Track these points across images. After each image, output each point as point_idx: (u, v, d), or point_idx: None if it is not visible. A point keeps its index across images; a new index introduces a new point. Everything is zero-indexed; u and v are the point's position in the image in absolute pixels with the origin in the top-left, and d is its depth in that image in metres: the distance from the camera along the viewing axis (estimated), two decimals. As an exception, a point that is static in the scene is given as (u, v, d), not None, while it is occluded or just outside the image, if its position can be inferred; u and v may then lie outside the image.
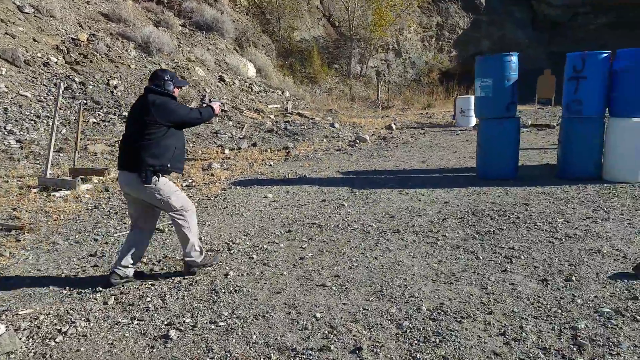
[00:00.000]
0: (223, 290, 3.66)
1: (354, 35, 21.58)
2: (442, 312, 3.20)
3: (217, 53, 16.77)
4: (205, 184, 7.36)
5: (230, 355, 2.81)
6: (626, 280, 3.58)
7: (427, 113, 17.82)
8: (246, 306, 3.40)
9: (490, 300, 3.35)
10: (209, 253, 4.34)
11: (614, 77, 6.65)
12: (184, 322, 3.20)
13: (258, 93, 15.98)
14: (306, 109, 16.22)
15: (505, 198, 6.10)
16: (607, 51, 6.79)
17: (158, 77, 3.75)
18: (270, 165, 8.91)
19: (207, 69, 15.30)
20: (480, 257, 4.16)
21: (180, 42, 15.84)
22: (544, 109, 15.76)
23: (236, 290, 3.65)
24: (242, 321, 3.18)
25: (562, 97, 7.23)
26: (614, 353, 2.65)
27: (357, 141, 11.48)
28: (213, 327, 3.13)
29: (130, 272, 3.80)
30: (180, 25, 16.76)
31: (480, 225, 5.03)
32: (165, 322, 3.21)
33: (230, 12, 19.16)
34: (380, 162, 9.12)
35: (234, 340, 2.97)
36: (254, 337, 2.99)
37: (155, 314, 3.32)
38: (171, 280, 3.88)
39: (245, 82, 16.26)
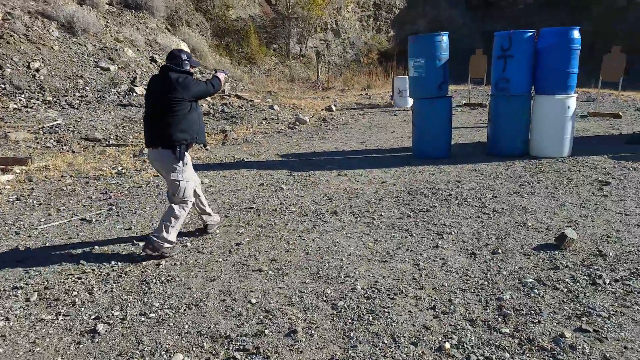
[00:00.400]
0: (154, 281, 3.56)
1: (292, 14, 21.35)
2: (376, 290, 3.27)
3: (147, 33, 16.09)
4: (136, 170, 7.10)
5: (161, 346, 2.75)
6: (549, 251, 3.79)
7: (366, 94, 18.00)
8: (179, 296, 3.33)
9: (421, 276, 3.46)
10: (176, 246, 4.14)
11: (538, 55, 6.93)
12: (113, 315, 3.10)
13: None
14: (245, 91, 15.95)
15: (438, 176, 6.29)
16: (532, 30, 7.05)
17: (176, 57, 3.97)
18: (207, 149, 8.71)
19: (138, 50, 14.67)
20: (414, 235, 4.28)
21: (107, 22, 15.06)
22: (477, 88, 16.29)
23: (168, 280, 3.57)
24: (174, 311, 3.12)
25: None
26: (536, 321, 2.81)
27: (297, 123, 11.44)
28: (143, 318, 3.05)
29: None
30: (106, 3, 15.91)
31: (414, 204, 5.16)
32: (93, 317, 3.09)
33: (161, -11, 18.37)
34: (320, 143, 9.14)
35: (165, 331, 2.90)
36: (187, 326, 2.94)
37: (82, 309, 3.19)
38: (99, 273, 3.74)
39: (181, 63, 15.72)
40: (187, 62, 3.98)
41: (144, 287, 3.49)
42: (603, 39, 19.03)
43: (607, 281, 3.22)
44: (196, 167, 7.21)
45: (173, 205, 4.01)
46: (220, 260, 3.91)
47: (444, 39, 7.20)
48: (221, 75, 4.34)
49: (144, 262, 3.91)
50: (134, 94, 11.93)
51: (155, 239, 3.92)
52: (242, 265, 3.79)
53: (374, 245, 4.07)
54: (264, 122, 11.48)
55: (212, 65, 17.07)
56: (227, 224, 4.79)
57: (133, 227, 4.77)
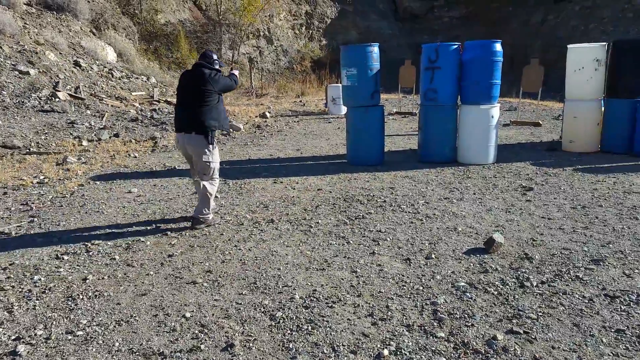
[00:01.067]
0: (81, 297, 3.34)
1: (223, 20, 21.05)
2: (315, 299, 3.24)
3: (70, 36, 15.26)
4: (59, 179, 6.67)
5: (89, 368, 2.57)
6: (478, 255, 3.93)
7: (301, 101, 18.05)
8: (108, 312, 3.13)
9: (359, 283, 3.48)
10: (216, 214, 5.06)
11: (463, 67, 7.25)
12: (36, 334, 2.86)
13: (120, 79, 14.88)
14: (174, 97, 15.49)
15: (373, 183, 6.39)
16: (457, 43, 7.37)
17: (208, 57, 4.73)
18: (135, 157, 8.36)
19: (60, 53, 13.86)
20: (351, 242, 4.30)
21: (25, 23, 14.13)
22: (407, 97, 16.80)
23: (96, 296, 3.36)
24: (103, 328, 2.93)
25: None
26: (469, 324, 2.89)
27: (231, 130, 11.25)
28: (70, 337, 2.85)
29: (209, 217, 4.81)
30: (24, 3, 14.93)
31: (350, 211, 5.21)
32: (13, 337, 2.84)
33: (84, -10, 17.49)
34: (254, 151, 9.03)
35: (94, 349, 2.72)
36: (117, 344, 2.77)
37: (1, 329, 2.92)
38: (20, 290, 3.45)
39: (105, 67, 15.03)
40: (217, 61, 4.73)
41: (69, 303, 3.26)
42: (522, 52, 20.30)
43: (534, 283, 3.38)
44: (123, 176, 6.92)
45: (204, 183, 4.65)
46: (152, 273, 3.73)
47: (375, 49, 7.36)
48: (236, 72, 5.12)
49: (70, 277, 3.66)
50: (57, 100, 11.23)
51: (200, 216, 4.70)
52: (175, 278, 3.63)
53: (311, 254, 4.05)
54: (196, 129, 11.18)
55: (140, 70, 16.46)
56: (159, 234, 4.59)
57: (56, 240, 4.46)
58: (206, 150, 4.58)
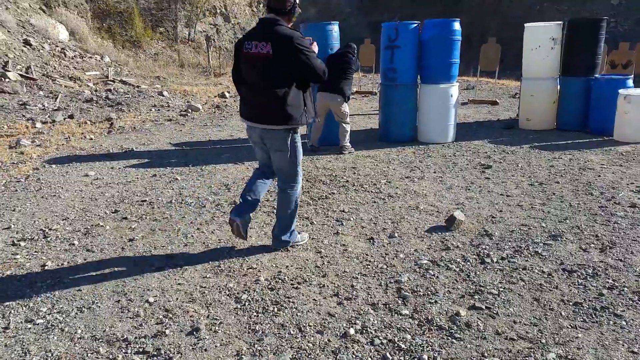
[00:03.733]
0: (40, 284, 3.21)
1: (179, -4, 20.37)
2: (280, 281, 3.22)
3: (19, 13, 14.42)
4: (13, 163, 6.35)
5: (52, 355, 2.49)
6: (440, 233, 4.00)
7: (260, 80, 17.76)
8: (68, 299, 3.03)
9: (324, 263, 3.48)
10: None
11: (422, 46, 7.27)
12: (-11, 327, 2.74)
13: (73, 59, 14.22)
14: (130, 76, 14.96)
15: (335, 163, 6.38)
16: (416, 22, 7.37)
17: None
18: (91, 139, 8.05)
19: (9, 32, 13.09)
20: (315, 222, 4.29)
21: (-34, -3, 13.25)
22: (367, 77, 16.79)
23: (56, 283, 3.23)
24: (64, 316, 2.84)
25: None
26: (432, 301, 2.95)
27: (190, 110, 10.97)
28: (30, 326, 2.75)
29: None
30: (-37, -25, 13.97)
31: (314, 191, 5.19)
32: (-37, 332, 2.71)
33: (30, -36, 16.51)
34: (215, 131, 8.85)
35: (55, 338, 2.63)
36: (79, 331, 2.68)
37: (-53, 325, 2.78)
38: (-32, 282, 3.28)
39: (57, 46, 14.31)
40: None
41: (28, 291, 3.13)
42: (479, 31, 20.59)
43: (495, 259, 3.47)
44: (80, 159, 6.66)
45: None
46: (113, 258, 3.62)
47: (335, 28, 7.28)
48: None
49: (27, 264, 3.50)
50: (7, 80, 10.63)
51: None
52: (136, 262, 3.53)
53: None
54: (153, 110, 10.85)
55: (94, 49, 15.77)
56: (118, 218, 4.45)
57: (12, 226, 4.26)
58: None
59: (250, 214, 3.68)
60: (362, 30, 22.48)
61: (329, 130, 7.21)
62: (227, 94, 13.56)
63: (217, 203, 4.84)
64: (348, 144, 6.97)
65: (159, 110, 10.90)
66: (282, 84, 3.30)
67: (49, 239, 4.01)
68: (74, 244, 3.89)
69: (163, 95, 12.44)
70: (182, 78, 16.72)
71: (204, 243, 3.87)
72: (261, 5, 23.99)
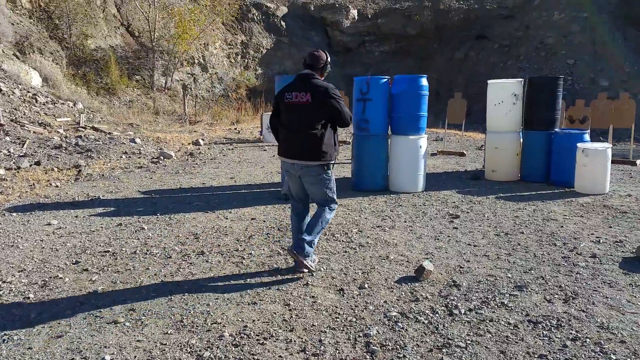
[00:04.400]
0: (-15, 343, 3.04)
1: (157, 46, 20.65)
2: (245, 336, 3.13)
3: (-10, 58, 14.36)
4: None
5: None
6: (409, 283, 3.98)
7: (235, 128, 17.91)
8: (17, 357, 2.86)
9: (292, 317, 3.40)
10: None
11: (392, 99, 7.51)
12: None
13: (44, 105, 14.11)
14: (103, 123, 14.88)
15: (307, 212, 6.37)
16: (386, 77, 7.64)
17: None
18: (57, 186, 7.88)
19: (-23, 76, 12.99)
20: (284, 273, 4.23)
21: (-63, 42, 13.15)
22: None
23: (4, 340, 3.06)
24: (10, 379, 2.67)
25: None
26: (401, 355, 2.90)
27: (162, 157, 10.92)
28: (-30, 391, 2.57)
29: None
30: (-64, 21, 13.93)
31: (284, 241, 5.14)
32: None
33: (8, 13, 16.60)
34: (186, 179, 8.79)
35: (-3, 404, 2.46)
36: (26, 396, 2.53)
37: None
38: None
39: (28, 92, 14.21)
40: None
41: (-31, 352, 2.95)
42: (447, 85, 21.39)
43: (462, 311, 3.46)
44: (43, 207, 6.49)
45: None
46: (69, 312, 3.47)
47: (309, 79, 7.45)
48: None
49: (-29, 322, 3.32)
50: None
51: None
52: (95, 318, 3.39)
53: (243, 287, 3.93)
54: (124, 157, 10.76)
55: (67, 96, 15.72)
56: (79, 270, 4.31)
57: (-42, 280, 4.07)
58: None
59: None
60: (337, 83, 23.06)
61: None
62: (201, 142, 13.59)
63: (184, 254, 4.75)
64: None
65: (129, 157, 10.81)
66: (319, 126, 3.99)
67: (1, 292, 3.84)
68: (29, 298, 3.73)
69: (135, 142, 12.37)
70: (156, 125, 16.72)
71: (167, 296, 3.76)
72: (239, 57, 24.48)
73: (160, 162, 10.56)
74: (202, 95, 22.44)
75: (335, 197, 4.27)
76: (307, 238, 4.07)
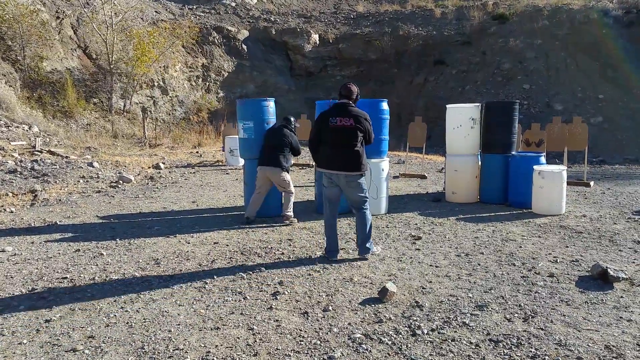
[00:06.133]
0: None
1: (115, 69, 20.35)
2: (209, 362, 3.08)
3: (-63, 79, 13.82)
4: None
5: None
6: (373, 305, 4.02)
7: (197, 152, 17.73)
8: (-35, 394, 2.72)
9: (256, 341, 3.37)
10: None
11: (356, 123, 7.61)
12: None
13: (-3, 127, 13.64)
14: (60, 146, 14.48)
15: (271, 235, 6.35)
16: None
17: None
18: (12, 212, 7.58)
19: None
20: (248, 297, 4.19)
21: None
22: (305, 150, 17.22)
23: (-49, 376, 2.91)
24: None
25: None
26: (364, 375, 2.91)
27: (121, 182, 10.69)
28: None
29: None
30: None
31: (248, 264, 5.10)
32: None
33: (-43, 33, 16.08)
34: (146, 203, 8.62)
35: None
36: None
37: None
38: None
39: (-21, 114, 13.73)
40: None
41: None
42: (407, 109, 21.90)
43: (425, 331, 3.51)
44: (-6, 233, 6.22)
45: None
46: (25, 341, 3.33)
47: (271, 104, 7.53)
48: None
49: None
50: None
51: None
52: (52, 346, 3.27)
53: (205, 312, 3.87)
54: (81, 181, 10.47)
55: (21, 119, 15.25)
56: (35, 298, 4.14)
57: None
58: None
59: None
60: (300, 106, 23.28)
61: (265, 202, 7.24)
62: (162, 165, 13.38)
63: (145, 279, 4.64)
64: (290, 213, 7.03)
65: (87, 181, 10.53)
66: (358, 144, 5.08)
67: (-49, 323, 3.65)
68: (-20, 328, 3.55)
69: (93, 166, 12.07)
70: (115, 149, 16.38)
71: (127, 323, 3.66)
72: (200, 80, 24.39)
73: (119, 186, 10.33)
74: (163, 119, 22.18)
75: (367, 197, 5.26)
76: (367, 241, 5.24)
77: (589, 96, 19.43)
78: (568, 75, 20.32)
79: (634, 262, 5.11)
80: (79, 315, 3.80)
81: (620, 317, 3.74)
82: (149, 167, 13.22)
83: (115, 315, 3.79)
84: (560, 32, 21.55)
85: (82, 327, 3.57)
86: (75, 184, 10.08)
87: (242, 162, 13.84)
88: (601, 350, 3.22)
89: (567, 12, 21.85)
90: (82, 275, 4.74)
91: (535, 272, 4.82)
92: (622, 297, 4.16)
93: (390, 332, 3.50)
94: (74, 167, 11.61)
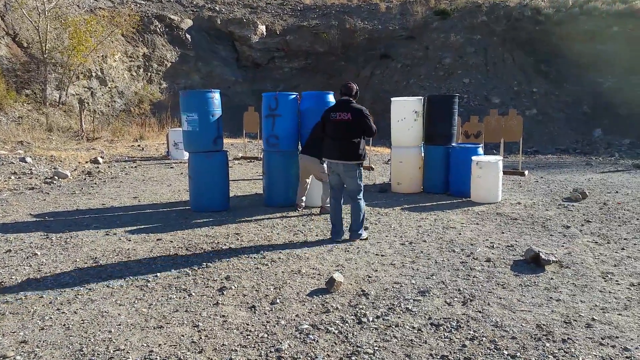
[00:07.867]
0: None
1: (49, 59, 19.27)
2: (152, 361, 2.99)
3: None
4: None
5: None
6: (321, 295, 4.04)
7: (139, 145, 17.15)
8: None
9: (201, 338, 3.31)
10: None
11: (302, 116, 7.61)
12: None
13: None
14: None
15: (218, 229, 6.25)
16: (295, 93, 7.75)
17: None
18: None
19: None
20: (193, 294, 4.11)
21: None
22: (252, 142, 17.04)
23: None
24: None
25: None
26: (311, 367, 2.92)
27: (56, 177, 10.17)
28: None
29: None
30: None
31: (193, 260, 5.00)
32: None
33: None
34: (84, 200, 8.25)
35: None
36: None
37: None
38: None
39: None
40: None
41: None
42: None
43: (371, 318, 3.57)
44: None
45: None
46: (-53, 352, 3.11)
47: (216, 95, 7.37)
48: None
49: None
50: None
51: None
52: (-22, 355, 3.07)
53: (148, 311, 3.76)
54: (12, 177, 9.89)
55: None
56: (-42, 304, 3.87)
57: None
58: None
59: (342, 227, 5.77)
60: (247, 98, 22.98)
61: (208, 194, 7.12)
62: (100, 160, 12.86)
63: (83, 279, 4.44)
64: (324, 204, 7.15)
65: (19, 178, 9.96)
66: (356, 136, 5.53)
67: None
68: None
69: (26, 162, 11.43)
70: (50, 143, 15.57)
71: (64, 325, 3.49)
72: (141, 70, 23.58)
73: (55, 182, 9.83)
74: (101, 111, 21.28)
75: (362, 187, 5.71)
76: (358, 229, 5.68)
77: (524, 90, 20.33)
78: (505, 70, 21.15)
79: (563, 246, 5.41)
80: (10, 319, 3.60)
81: (550, 298, 3.96)
82: (87, 162, 12.67)
83: (50, 318, 3.61)
84: (498, 27, 22.35)
85: (14, 332, 3.38)
86: (5, 181, 9.50)
87: (187, 155, 13.55)
88: (533, 329, 3.40)
89: (504, 9, 22.70)
90: (13, 277, 4.48)
91: (473, 258, 5.01)
92: (552, 278, 4.40)
93: (337, 322, 3.53)
94: (4, 163, 10.95)
